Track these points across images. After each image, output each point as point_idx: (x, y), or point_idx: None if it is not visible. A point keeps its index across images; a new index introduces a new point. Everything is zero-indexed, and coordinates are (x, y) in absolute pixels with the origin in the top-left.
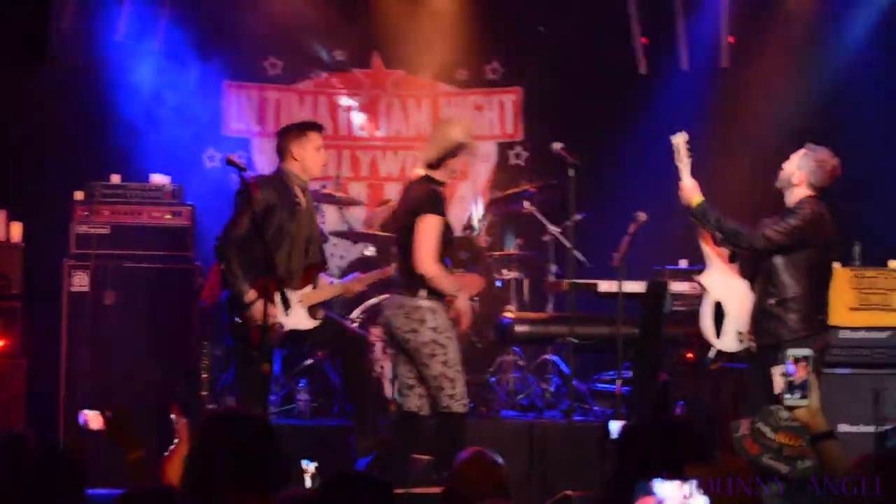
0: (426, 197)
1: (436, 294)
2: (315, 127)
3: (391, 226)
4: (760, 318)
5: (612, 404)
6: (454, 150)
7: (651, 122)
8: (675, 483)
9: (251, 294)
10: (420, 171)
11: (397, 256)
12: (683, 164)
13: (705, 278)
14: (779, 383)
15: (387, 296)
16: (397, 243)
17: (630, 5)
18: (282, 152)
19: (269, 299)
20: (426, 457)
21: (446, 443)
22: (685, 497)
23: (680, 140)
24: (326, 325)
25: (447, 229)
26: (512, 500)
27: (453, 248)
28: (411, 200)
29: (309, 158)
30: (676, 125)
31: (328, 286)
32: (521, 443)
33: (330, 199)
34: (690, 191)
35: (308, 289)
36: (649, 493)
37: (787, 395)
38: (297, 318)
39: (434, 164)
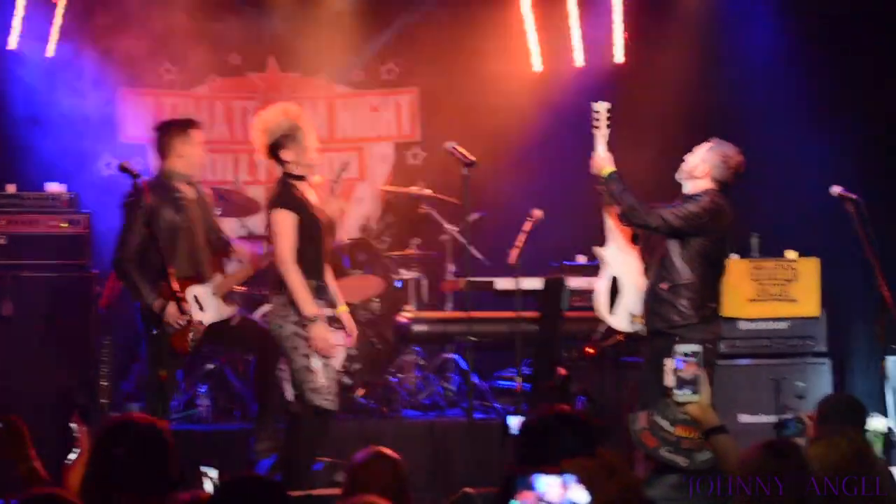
0: (276, 191)
1: None
2: (197, 124)
3: None
4: (652, 301)
5: (513, 401)
6: (279, 140)
7: (547, 120)
8: (555, 477)
9: (159, 303)
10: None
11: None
12: (601, 133)
13: (605, 251)
14: (669, 378)
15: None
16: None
17: (524, 3)
18: (164, 150)
19: (177, 300)
20: (327, 459)
21: (303, 437)
22: (564, 491)
23: (601, 108)
24: (247, 325)
25: (308, 224)
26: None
27: (320, 242)
28: (268, 196)
29: (196, 155)
30: (572, 123)
31: (238, 270)
32: (423, 442)
33: (227, 204)
34: (603, 160)
35: (218, 277)
36: (529, 487)
37: (677, 391)
38: (214, 310)
39: (272, 157)
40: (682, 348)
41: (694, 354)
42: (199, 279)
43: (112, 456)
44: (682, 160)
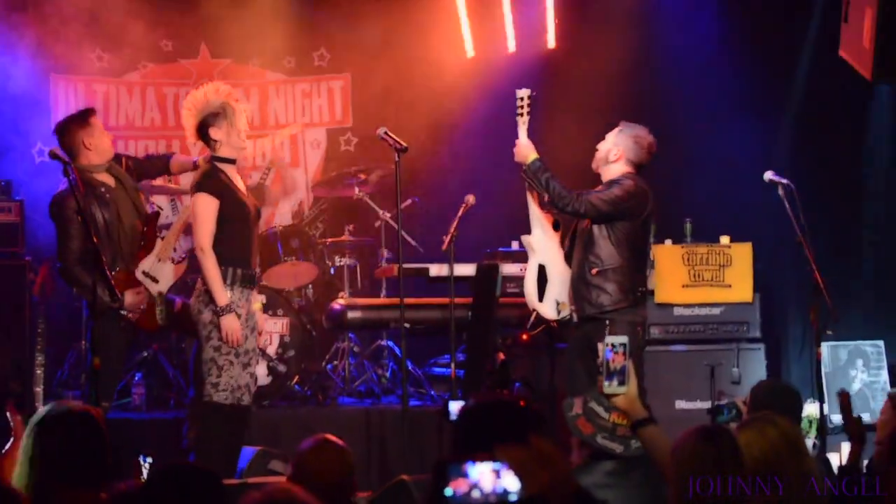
0: (200, 175)
1: (223, 277)
2: (93, 111)
3: None
4: (580, 287)
5: (448, 388)
6: (205, 120)
7: (479, 106)
8: (487, 465)
9: (122, 300)
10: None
11: None
12: (523, 120)
13: (530, 238)
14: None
15: None
16: None
17: None
18: (73, 148)
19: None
20: (261, 447)
21: (203, 434)
22: (497, 479)
23: (524, 94)
24: (189, 310)
25: (233, 210)
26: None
27: (248, 228)
28: (192, 180)
29: (103, 141)
30: (504, 108)
31: (175, 222)
32: (358, 429)
33: (161, 190)
34: (526, 148)
35: (158, 243)
36: (462, 475)
37: (606, 382)
38: (167, 276)
39: (201, 138)
40: (610, 339)
41: (623, 345)
42: (143, 255)
43: (46, 445)
44: (596, 149)
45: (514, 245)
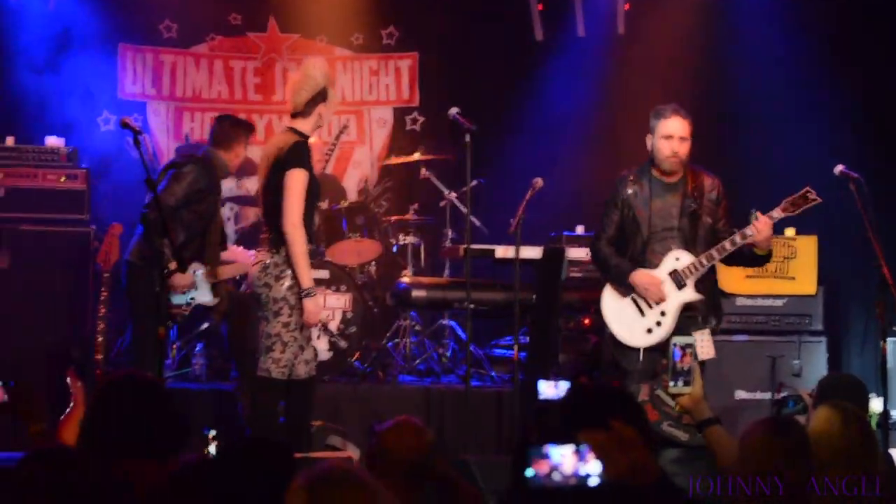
0: (293, 149)
1: None
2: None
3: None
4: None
5: (509, 369)
6: (320, 94)
7: (548, 89)
8: (570, 448)
9: (174, 264)
10: (292, 124)
11: (261, 212)
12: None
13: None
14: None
15: None
16: (261, 197)
17: None
18: (225, 141)
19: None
20: (319, 422)
21: (257, 408)
22: (578, 461)
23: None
24: (225, 303)
25: (313, 184)
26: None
27: (342, 208)
28: (277, 153)
29: (243, 158)
30: (572, 91)
31: (230, 267)
32: (418, 408)
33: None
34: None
35: (209, 267)
36: (544, 457)
37: (672, 383)
38: (204, 294)
39: (302, 112)
40: (678, 339)
41: (690, 346)
42: (202, 261)
43: (117, 411)
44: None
45: (580, 229)
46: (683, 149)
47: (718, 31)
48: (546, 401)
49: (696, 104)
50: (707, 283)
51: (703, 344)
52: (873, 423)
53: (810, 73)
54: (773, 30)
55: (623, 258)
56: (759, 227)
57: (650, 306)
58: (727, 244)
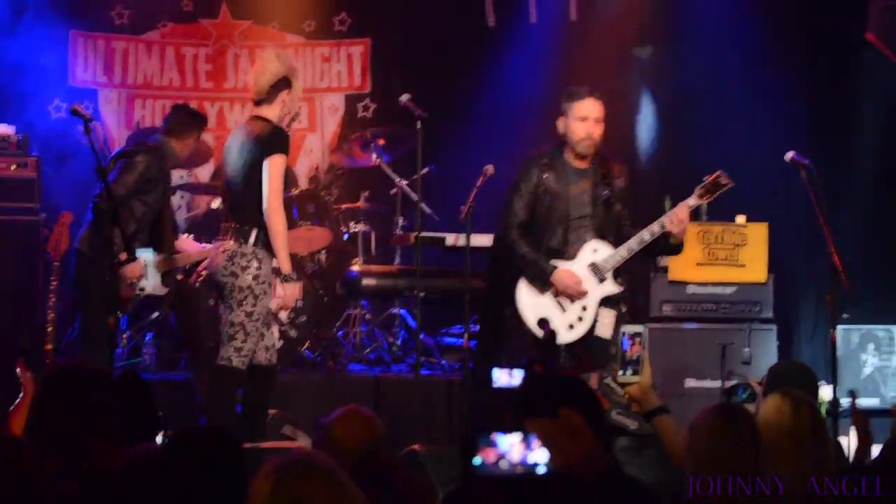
0: (273, 135)
1: (264, 243)
2: (206, 123)
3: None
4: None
5: (459, 358)
6: (282, 81)
7: (500, 75)
8: (517, 436)
9: (124, 254)
10: (259, 112)
11: (225, 199)
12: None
13: None
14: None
15: None
16: (227, 185)
17: None
18: (179, 132)
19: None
20: (274, 411)
21: (216, 397)
22: (526, 450)
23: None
24: (174, 293)
25: (288, 173)
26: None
27: (293, 195)
28: (253, 139)
29: (193, 151)
30: (525, 77)
31: (180, 257)
32: (368, 397)
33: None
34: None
35: (163, 255)
36: (491, 445)
37: (620, 372)
38: (153, 283)
39: (265, 98)
40: (628, 328)
41: (639, 335)
42: (154, 250)
43: (62, 402)
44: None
45: None
46: (598, 131)
47: (671, 17)
48: (500, 389)
49: (648, 91)
50: (622, 271)
51: (604, 322)
52: (823, 410)
53: (764, 59)
54: (726, 15)
55: (537, 250)
56: (678, 215)
57: (570, 301)
58: (645, 234)
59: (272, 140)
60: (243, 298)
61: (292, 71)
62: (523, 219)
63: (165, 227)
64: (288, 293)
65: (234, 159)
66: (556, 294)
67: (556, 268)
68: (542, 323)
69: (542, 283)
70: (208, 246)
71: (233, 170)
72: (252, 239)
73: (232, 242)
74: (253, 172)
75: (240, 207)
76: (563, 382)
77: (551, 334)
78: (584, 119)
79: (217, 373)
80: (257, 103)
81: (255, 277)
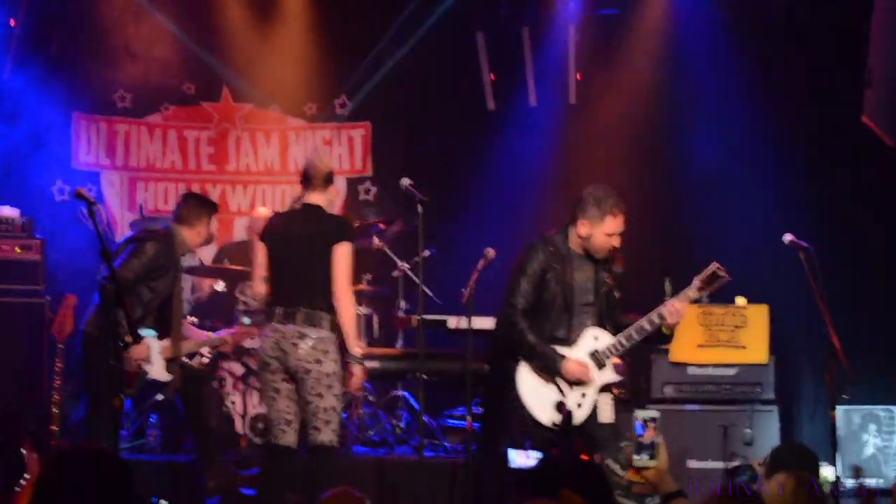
0: (341, 224)
1: (334, 328)
2: (217, 210)
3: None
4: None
5: (462, 440)
6: (330, 175)
7: (499, 158)
8: None
9: (129, 337)
10: (312, 200)
11: (289, 284)
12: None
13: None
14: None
15: (234, 329)
16: (293, 271)
17: (479, 41)
18: (188, 218)
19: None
20: (293, 495)
21: (324, 478)
22: None
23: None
24: (177, 380)
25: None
26: None
27: None
28: (320, 226)
29: (209, 237)
30: (525, 161)
31: (187, 343)
32: (371, 478)
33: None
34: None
35: (167, 341)
36: None
37: (636, 457)
38: (158, 369)
39: (320, 188)
40: (641, 413)
41: (654, 420)
42: (162, 336)
43: (63, 483)
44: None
45: None
46: (618, 243)
47: (669, 101)
48: (518, 470)
49: (648, 172)
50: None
51: (604, 408)
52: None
53: (761, 144)
54: (722, 99)
55: (541, 337)
56: (679, 309)
57: (570, 387)
58: (645, 324)
59: (344, 229)
60: (331, 384)
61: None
62: (528, 304)
63: (174, 314)
64: (361, 375)
65: (296, 245)
66: (557, 379)
67: (564, 358)
68: (560, 406)
69: (552, 373)
70: (211, 334)
71: (297, 255)
72: (327, 324)
73: (305, 327)
74: (322, 260)
75: (309, 293)
76: (565, 464)
77: (569, 415)
78: (611, 235)
79: (321, 454)
80: (309, 189)
81: (336, 362)
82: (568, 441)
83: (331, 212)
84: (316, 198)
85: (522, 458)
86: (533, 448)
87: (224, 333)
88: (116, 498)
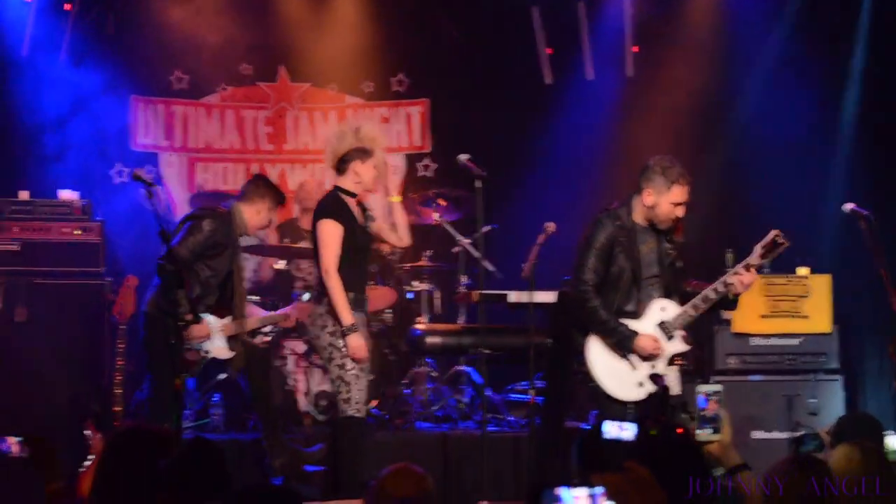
0: (326, 202)
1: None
2: (284, 202)
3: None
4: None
5: (526, 414)
6: (355, 152)
7: (557, 132)
8: (583, 490)
9: (189, 315)
10: (338, 182)
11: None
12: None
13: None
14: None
15: (295, 305)
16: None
17: (534, 16)
18: (253, 202)
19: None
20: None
21: (344, 448)
22: (591, 503)
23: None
24: (240, 357)
25: (353, 236)
26: None
27: (363, 257)
28: (316, 207)
29: (263, 223)
30: (583, 134)
31: (247, 321)
32: (435, 454)
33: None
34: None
35: (227, 319)
36: (556, 500)
37: (699, 430)
38: (219, 347)
39: (337, 168)
40: (704, 387)
41: (716, 393)
42: (218, 313)
43: (125, 463)
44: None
45: None
46: (683, 212)
47: (726, 70)
48: (612, 440)
49: (707, 143)
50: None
51: (670, 380)
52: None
53: (821, 112)
54: (781, 67)
55: (612, 313)
56: (746, 280)
57: (641, 360)
58: (710, 293)
59: (321, 205)
60: (329, 355)
61: (367, 140)
62: (598, 279)
63: (235, 292)
64: (351, 345)
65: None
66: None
67: (637, 334)
68: (656, 378)
69: (624, 349)
70: (272, 312)
71: (309, 236)
72: (326, 300)
73: (315, 305)
74: (314, 239)
75: (318, 271)
76: (665, 438)
77: (664, 389)
78: (677, 204)
79: (338, 427)
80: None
81: (332, 333)
82: (664, 413)
83: (365, 191)
84: (338, 180)
85: (616, 430)
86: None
87: (286, 310)
88: (179, 477)
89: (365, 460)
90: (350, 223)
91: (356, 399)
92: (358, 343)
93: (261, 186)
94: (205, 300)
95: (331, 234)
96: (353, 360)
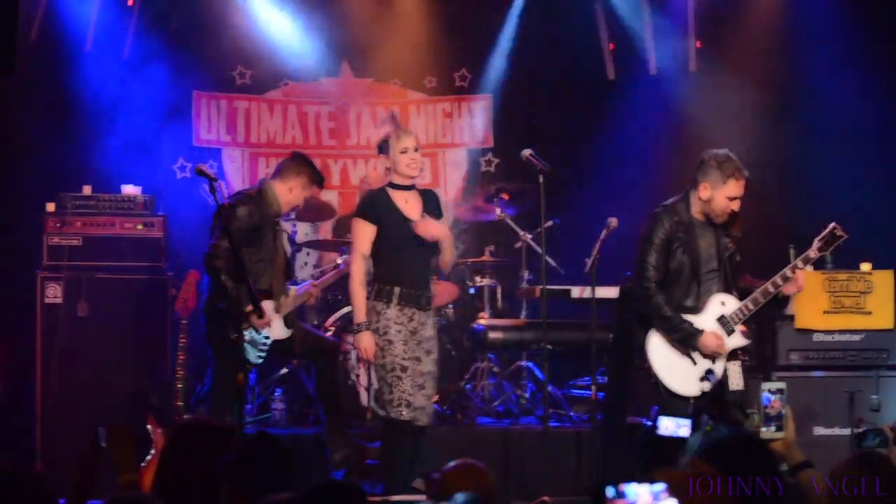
0: (360, 199)
1: (377, 296)
2: (323, 183)
3: None
4: None
5: (587, 409)
6: (382, 144)
7: (620, 127)
8: (646, 486)
9: (249, 307)
10: None
11: None
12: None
13: None
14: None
15: (317, 281)
16: None
17: (597, 11)
18: (287, 176)
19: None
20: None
21: (385, 449)
22: (654, 501)
23: None
24: (301, 336)
25: (388, 230)
26: None
27: (410, 250)
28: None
29: (303, 201)
30: (645, 129)
31: (299, 296)
32: (497, 449)
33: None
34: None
35: (282, 298)
36: (620, 496)
37: (763, 428)
38: (278, 329)
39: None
40: (768, 385)
41: (780, 391)
42: (270, 295)
43: (186, 457)
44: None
45: None
46: (738, 207)
47: (790, 65)
48: (671, 438)
49: (771, 139)
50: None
51: (734, 375)
52: None
53: (886, 108)
54: (847, 60)
55: (674, 310)
56: (797, 279)
57: (702, 355)
58: (770, 287)
59: (358, 203)
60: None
61: (392, 130)
62: (660, 275)
63: (279, 271)
64: (358, 344)
65: None
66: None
67: (701, 331)
68: (709, 373)
69: (688, 346)
70: (309, 284)
71: None
72: (372, 294)
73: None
74: None
75: None
76: (732, 436)
77: (719, 386)
78: (733, 199)
79: (382, 427)
80: None
81: (374, 331)
82: (719, 410)
83: (407, 178)
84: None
85: (672, 426)
86: (664, 416)
87: (306, 286)
88: (244, 471)
89: (397, 462)
90: (385, 217)
91: (397, 401)
92: (363, 342)
93: (296, 163)
94: (260, 284)
95: (356, 231)
96: (361, 358)
